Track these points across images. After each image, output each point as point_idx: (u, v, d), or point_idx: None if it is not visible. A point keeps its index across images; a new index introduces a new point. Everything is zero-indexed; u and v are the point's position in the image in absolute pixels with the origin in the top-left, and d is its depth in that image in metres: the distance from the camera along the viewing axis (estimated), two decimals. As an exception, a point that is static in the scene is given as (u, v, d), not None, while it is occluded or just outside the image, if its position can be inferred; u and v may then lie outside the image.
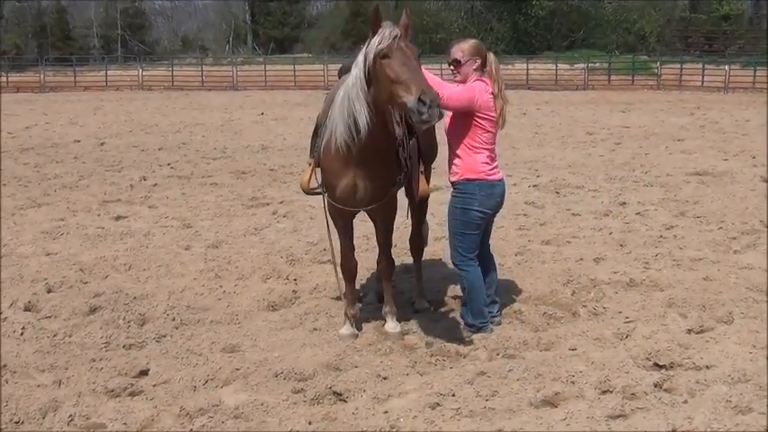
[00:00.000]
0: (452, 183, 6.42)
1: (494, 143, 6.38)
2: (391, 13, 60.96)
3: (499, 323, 6.81)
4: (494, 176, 6.36)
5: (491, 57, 6.35)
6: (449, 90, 6.14)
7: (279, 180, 14.54)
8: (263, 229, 10.55)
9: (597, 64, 49.87)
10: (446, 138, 6.48)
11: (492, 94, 6.23)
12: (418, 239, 7.54)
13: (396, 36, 5.54)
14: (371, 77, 5.68)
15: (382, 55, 5.53)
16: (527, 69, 45.65)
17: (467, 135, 6.24)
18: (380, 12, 5.69)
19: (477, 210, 6.33)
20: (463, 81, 6.28)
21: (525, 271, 8.36)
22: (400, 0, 65.68)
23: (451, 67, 6.35)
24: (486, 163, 6.31)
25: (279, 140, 20.82)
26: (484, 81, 6.24)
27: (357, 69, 5.80)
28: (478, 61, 6.26)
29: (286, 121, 26.58)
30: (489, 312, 6.74)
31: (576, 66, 49.18)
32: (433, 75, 6.46)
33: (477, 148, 6.25)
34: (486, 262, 6.77)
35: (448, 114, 6.39)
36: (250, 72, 50.49)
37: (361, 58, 5.77)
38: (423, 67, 6.06)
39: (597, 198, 12.39)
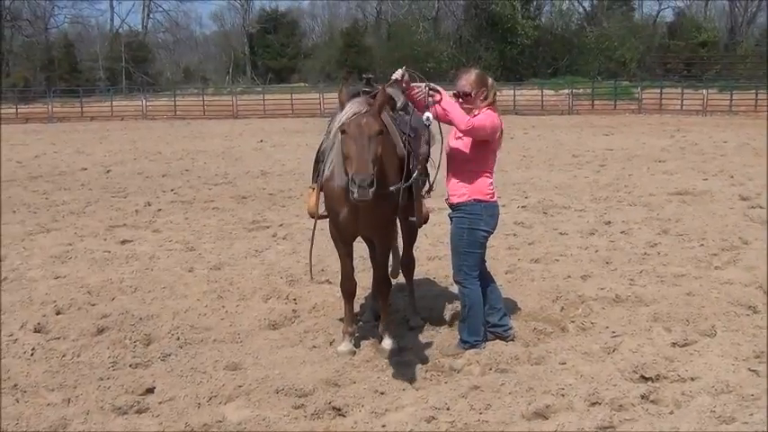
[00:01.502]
0: (456, 204, 6.41)
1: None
2: (383, 46, 61.33)
3: (514, 337, 6.78)
4: (494, 199, 6.45)
5: (490, 81, 6.42)
6: (474, 119, 6.17)
7: (278, 204, 14.54)
8: (263, 251, 10.53)
9: (581, 90, 50.11)
10: (448, 159, 6.47)
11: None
12: (410, 260, 7.55)
13: (356, 113, 5.70)
14: None
15: (341, 129, 5.73)
16: (514, 96, 45.81)
17: (479, 159, 6.29)
18: (345, 89, 6.06)
19: (484, 229, 6.39)
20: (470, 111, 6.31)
21: (515, 288, 8.35)
22: (392, 30, 66.21)
23: (460, 100, 6.36)
24: (491, 186, 6.40)
25: (278, 166, 20.84)
26: (493, 109, 6.29)
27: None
28: (484, 91, 6.32)
29: (284, 147, 26.60)
30: (503, 326, 6.76)
31: (560, 92, 49.38)
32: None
33: (485, 172, 6.34)
34: (486, 278, 6.77)
35: (453, 137, 6.40)
36: (249, 101, 50.60)
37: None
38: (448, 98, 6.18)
39: (583, 218, 12.41)
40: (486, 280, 6.73)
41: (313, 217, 6.83)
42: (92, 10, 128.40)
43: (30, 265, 9.82)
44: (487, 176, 6.36)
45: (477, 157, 6.28)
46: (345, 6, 79.56)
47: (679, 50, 60.55)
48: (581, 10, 68.24)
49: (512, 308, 7.57)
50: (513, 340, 6.73)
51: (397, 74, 6.22)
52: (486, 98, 6.31)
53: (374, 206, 6.11)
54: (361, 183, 5.36)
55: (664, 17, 70.57)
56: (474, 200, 6.31)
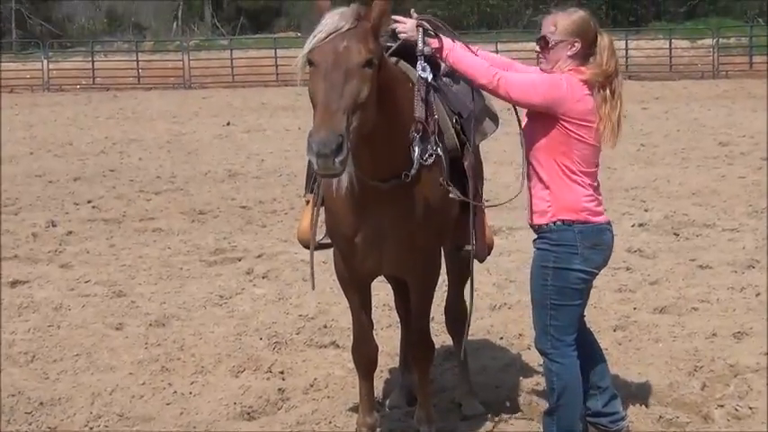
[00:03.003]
0: (538, 227, 6.30)
1: (597, 165, 6.27)
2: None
3: (629, 431, 6.77)
4: (600, 218, 6.26)
5: (605, 40, 6.21)
6: (515, 74, 6.14)
7: (255, 223, 14.63)
8: (232, 296, 10.61)
9: (732, 39, 49.97)
10: (525, 152, 6.32)
11: (589, 90, 6.08)
12: (459, 310, 7.47)
13: (332, 33, 5.47)
14: None
15: (308, 60, 5.52)
16: (626, 49, 45.79)
17: (560, 152, 6.10)
18: None
19: (580, 269, 6.19)
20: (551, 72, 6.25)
21: (630, 354, 8.36)
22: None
23: (537, 49, 6.33)
24: (591, 197, 6.20)
25: (254, 163, 20.96)
26: (579, 71, 6.11)
27: None
28: (577, 45, 6.11)
29: (264, 133, 26.74)
30: (612, 414, 6.69)
31: (699, 42, 49.28)
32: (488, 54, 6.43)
33: (576, 173, 6.13)
34: (586, 342, 6.66)
35: (524, 116, 6.35)
36: (209, 62, 50.84)
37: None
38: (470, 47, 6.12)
39: (737, 242, 12.41)
40: (585, 343, 6.63)
41: (307, 247, 6.81)
42: None
43: None
44: (582, 181, 6.16)
45: (557, 149, 6.11)
46: None
47: None
48: None
49: (624, 386, 7.57)
50: (624, 435, 6.73)
51: (405, 27, 6.13)
52: (576, 57, 6.20)
53: (413, 223, 6.13)
54: (319, 149, 5.08)
55: None
56: (561, 221, 6.16)
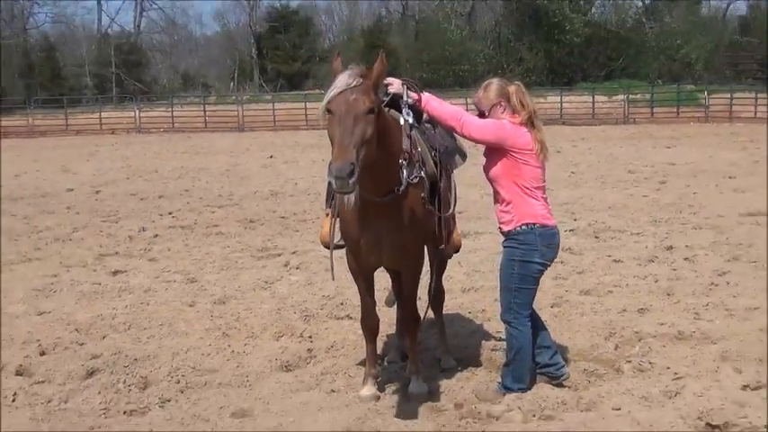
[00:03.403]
0: (506, 232, 6.43)
1: (545, 182, 6.44)
2: (410, 47, 61.67)
3: (568, 376, 6.82)
4: (552, 222, 6.43)
5: (511, 88, 6.38)
6: (475, 119, 6.27)
7: (290, 229, 14.68)
8: (274, 282, 10.65)
9: (638, 95, 50.15)
10: (487, 179, 6.54)
11: (521, 124, 6.26)
12: (439, 291, 7.63)
13: (344, 89, 5.60)
14: None
15: (327, 108, 5.63)
16: (561, 102, 45.82)
17: (515, 175, 6.28)
18: (340, 58, 6.05)
19: (538, 261, 6.37)
20: None
21: (563, 324, 8.39)
22: (420, 28, 66.48)
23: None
24: (543, 206, 6.38)
25: (290, 186, 21.02)
26: (515, 117, 6.29)
27: None
28: (503, 103, 6.33)
29: (297, 164, 26.80)
30: (555, 365, 6.79)
31: (614, 97, 49.48)
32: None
33: (529, 189, 6.30)
34: (531, 316, 6.71)
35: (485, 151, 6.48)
36: (257, 111, 51.02)
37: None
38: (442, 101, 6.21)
39: (641, 243, 12.44)
40: (530, 317, 6.72)
41: (327, 247, 6.87)
42: (76, 8, 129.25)
43: (10, 300, 9.95)
44: (535, 194, 6.33)
45: (513, 173, 6.28)
46: (367, 2, 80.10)
47: (753, 49, 60.28)
48: (639, 3, 68.20)
49: (558, 347, 7.56)
50: (567, 378, 6.78)
51: (394, 86, 6.26)
52: (507, 108, 6.32)
53: (403, 230, 6.21)
54: (337, 173, 5.26)
55: (735, 10, 70.43)
56: (524, 225, 6.30)
